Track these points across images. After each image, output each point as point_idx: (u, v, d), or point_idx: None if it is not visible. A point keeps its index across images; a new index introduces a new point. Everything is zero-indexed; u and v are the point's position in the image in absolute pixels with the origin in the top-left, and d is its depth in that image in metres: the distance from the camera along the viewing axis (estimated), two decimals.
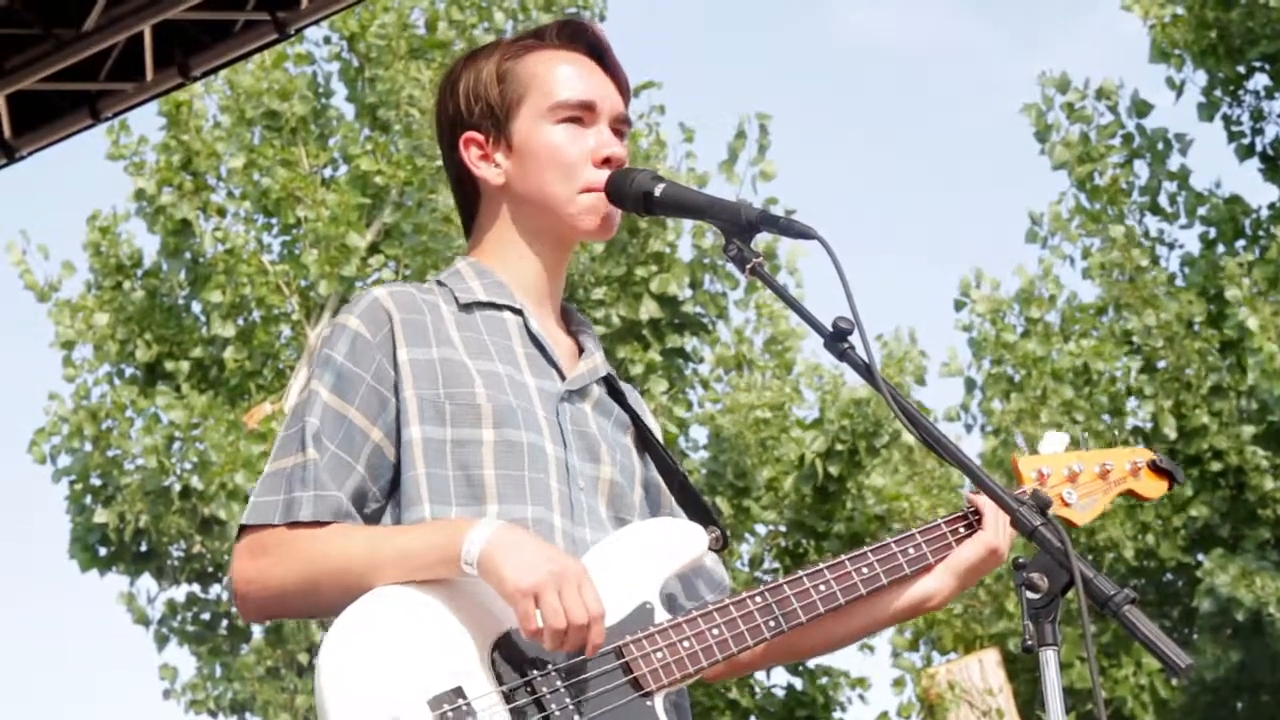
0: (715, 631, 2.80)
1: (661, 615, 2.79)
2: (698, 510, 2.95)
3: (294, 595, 2.77)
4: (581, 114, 2.97)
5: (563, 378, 2.93)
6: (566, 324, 3.05)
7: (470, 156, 3.00)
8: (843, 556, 2.94)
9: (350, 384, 2.82)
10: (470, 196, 3.04)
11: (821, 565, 2.94)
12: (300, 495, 2.75)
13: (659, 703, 2.74)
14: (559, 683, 2.68)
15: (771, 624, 2.85)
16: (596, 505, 2.88)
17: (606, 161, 2.95)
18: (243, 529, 2.81)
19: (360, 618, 2.67)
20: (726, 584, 3.03)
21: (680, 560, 2.85)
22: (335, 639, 2.65)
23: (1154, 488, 3.20)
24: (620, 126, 3.01)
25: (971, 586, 3.15)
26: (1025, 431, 18.14)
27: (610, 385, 3.01)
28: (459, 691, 2.63)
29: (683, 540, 2.86)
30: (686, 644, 2.77)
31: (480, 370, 2.85)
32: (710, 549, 2.89)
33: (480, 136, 3.00)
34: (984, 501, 2.99)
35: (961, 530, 3.01)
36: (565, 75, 2.99)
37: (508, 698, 2.66)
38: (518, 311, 2.95)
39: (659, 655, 2.75)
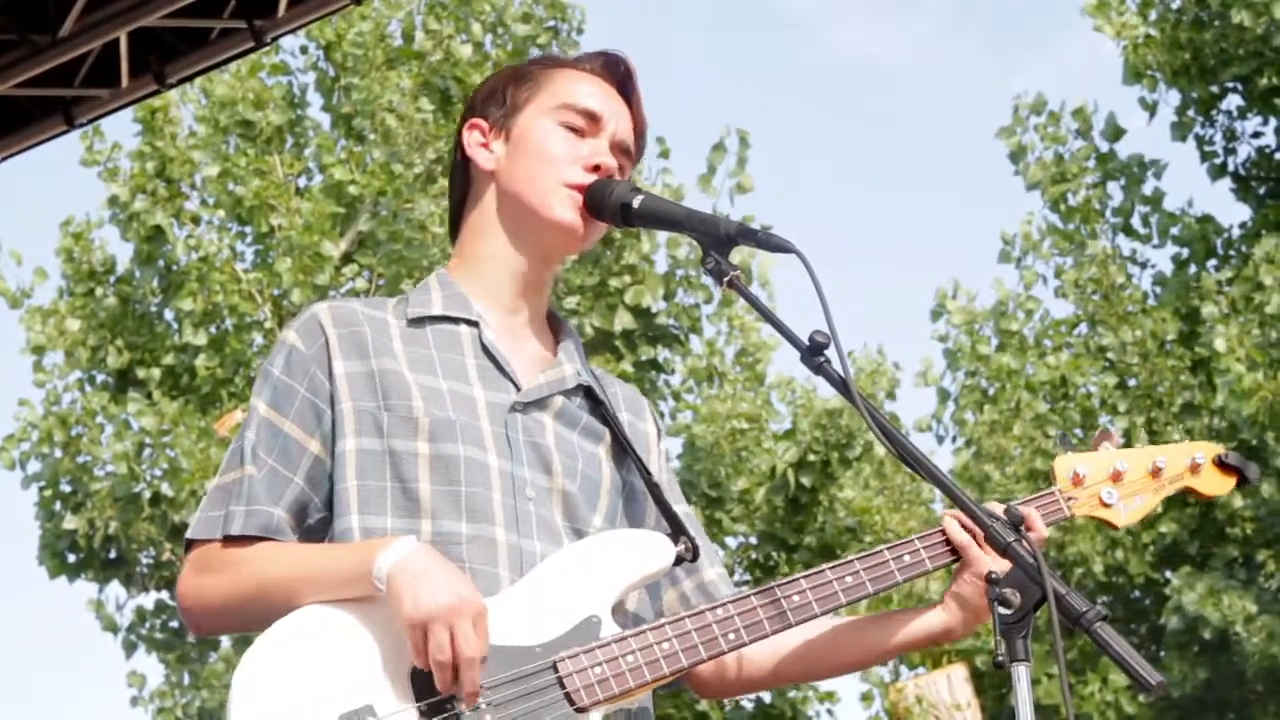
0: (665, 645, 2.73)
1: (610, 629, 2.73)
2: (670, 521, 2.90)
3: (228, 613, 2.79)
4: (585, 124, 2.95)
5: (518, 389, 2.89)
6: (553, 330, 3.01)
7: (469, 139, 3.00)
8: (824, 566, 2.86)
9: (285, 398, 2.85)
10: (461, 190, 3.02)
11: (798, 576, 2.85)
12: (234, 510, 2.79)
13: (595, 719, 2.69)
14: (482, 701, 2.63)
15: (731, 637, 2.77)
16: (550, 516, 2.83)
17: (596, 169, 2.92)
18: (189, 543, 2.85)
19: (280, 634, 2.67)
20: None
21: (642, 571, 2.80)
22: (252, 654, 2.65)
23: (1218, 484, 3.04)
24: (622, 158, 2.98)
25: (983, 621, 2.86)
26: (997, 444, 18.17)
27: (589, 394, 2.95)
28: (369, 709, 2.61)
29: (646, 551, 2.81)
30: (631, 658, 2.71)
31: (420, 385, 2.83)
32: (681, 559, 2.83)
33: (485, 124, 2.99)
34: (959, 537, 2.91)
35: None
36: (582, 87, 2.99)
37: (424, 715, 2.62)
38: (473, 323, 2.91)
39: (597, 670, 2.69)
